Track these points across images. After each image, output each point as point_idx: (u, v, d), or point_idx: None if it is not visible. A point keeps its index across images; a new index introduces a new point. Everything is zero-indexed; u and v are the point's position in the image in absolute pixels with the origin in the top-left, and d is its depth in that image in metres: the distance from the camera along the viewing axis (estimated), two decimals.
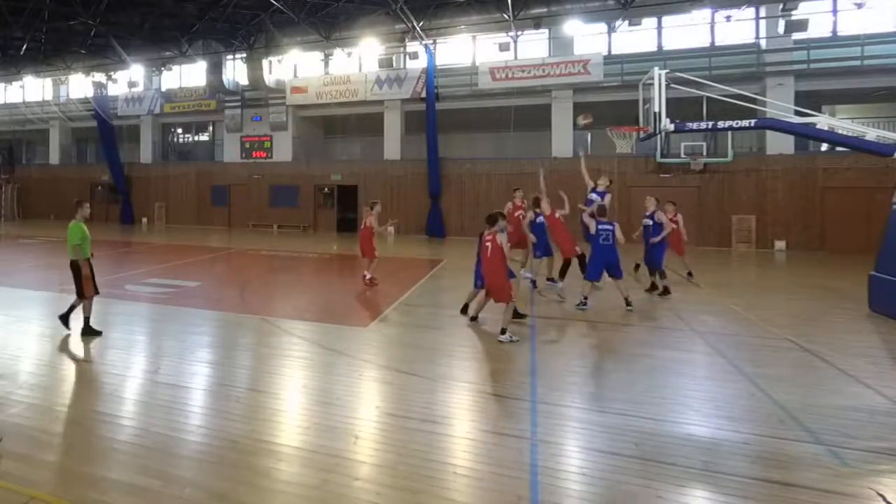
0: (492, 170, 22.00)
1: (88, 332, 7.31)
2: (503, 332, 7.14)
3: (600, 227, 8.98)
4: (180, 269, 13.59)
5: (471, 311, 8.21)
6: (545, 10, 19.82)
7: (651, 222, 10.41)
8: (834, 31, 18.41)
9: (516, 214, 10.92)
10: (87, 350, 7.01)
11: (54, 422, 4.69)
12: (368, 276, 11.25)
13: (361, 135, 26.11)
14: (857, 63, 17.49)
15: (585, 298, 9.08)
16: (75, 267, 7.39)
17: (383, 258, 14.56)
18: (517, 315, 7.81)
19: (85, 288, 7.30)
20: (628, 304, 8.91)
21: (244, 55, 24.55)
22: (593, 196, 10.67)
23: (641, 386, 5.63)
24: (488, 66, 21.66)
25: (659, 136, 11.93)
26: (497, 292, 7.43)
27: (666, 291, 10.16)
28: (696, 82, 11.41)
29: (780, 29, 18.21)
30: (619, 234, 8.95)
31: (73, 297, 7.54)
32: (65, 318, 7.46)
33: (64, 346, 7.12)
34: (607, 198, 10.56)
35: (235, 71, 25.36)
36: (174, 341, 7.32)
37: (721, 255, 17.41)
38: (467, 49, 22.53)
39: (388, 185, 23.48)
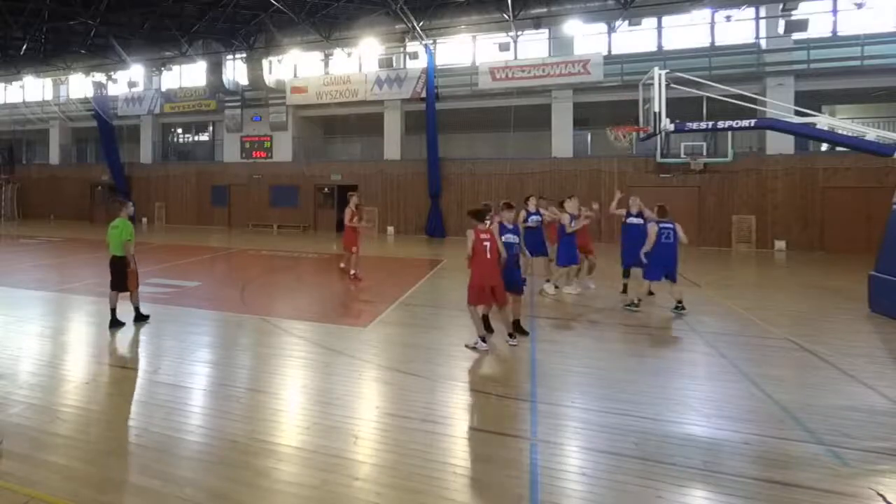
0: (492, 170, 22.00)
1: (141, 318, 7.91)
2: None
3: (661, 226, 8.73)
4: (180, 269, 13.59)
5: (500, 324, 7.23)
6: (545, 10, 19.82)
7: (641, 221, 10.18)
8: (834, 31, 18.41)
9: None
10: (86, 350, 7.02)
11: (54, 422, 4.69)
12: (346, 269, 11.85)
13: (361, 135, 26.12)
14: (857, 63, 17.49)
15: (639, 300, 8.99)
16: (121, 262, 7.72)
17: (384, 258, 14.57)
18: (520, 330, 7.37)
19: (131, 282, 7.78)
20: (681, 307, 8.66)
21: (244, 55, 24.55)
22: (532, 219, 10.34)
23: (641, 386, 5.63)
24: (488, 66, 21.66)
25: (659, 136, 11.92)
26: (501, 293, 6.93)
27: (625, 290, 10.19)
28: (696, 82, 11.40)
29: (780, 29, 18.22)
30: (681, 233, 8.75)
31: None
32: (115, 321, 7.75)
33: (64, 346, 7.14)
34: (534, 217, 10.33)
35: (235, 71, 25.35)
36: (174, 341, 7.31)
37: (721, 255, 17.41)
38: (467, 49, 22.53)
39: (388, 185, 23.49)
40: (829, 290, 11.15)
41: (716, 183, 19.04)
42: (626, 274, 10.31)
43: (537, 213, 10.49)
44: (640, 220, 10.09)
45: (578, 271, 10.63)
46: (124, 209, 7.95)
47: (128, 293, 7.85)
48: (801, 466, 4.01)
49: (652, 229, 8.82)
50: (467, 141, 24.48)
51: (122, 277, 7.73)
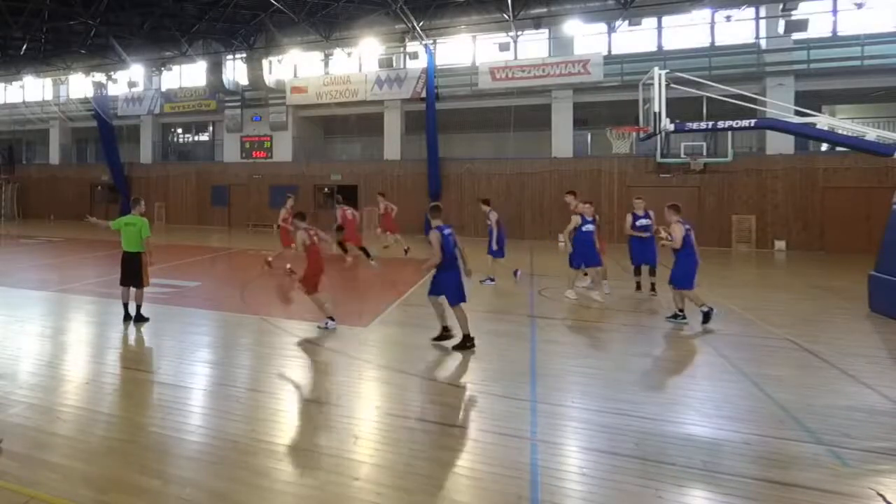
0: (492, 170, 21.99)
1: (141, 319, 7.85)
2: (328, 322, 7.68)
3: (687, 226, 8.09)
4: (180, 269, 13.59)
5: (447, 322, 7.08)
6: (545, 10, 19.82)
7: (650, 222, 10.23)
8: (834, 31, 18.40)
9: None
10: (86, 350, 7.01)
11: (54, 422, 4.69)
12: (270, 259, 13.08)
13: (361, 135, 26.10)
14: (857, 63, 17.47)
15: (709, 308, 7.95)
16: (137, 258, 7.81)
17: (384, 259, 14.57)
18: (446, 335, 6.99)
19: (146, 277, 7.88)
20: (683, 316, 8.12)
21: (244, 55, 24.54)
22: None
23: (641, 386, 5.63)
24: (488, 66, 21.64)
25: (659, 136, 11.91)
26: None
27: (639, 287, 10.33)
28: (696, 82, 11.39)
29: (780, 29, 18.21)
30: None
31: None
32: (128, 316, 7.89)
33: (64, 346, 7.13)
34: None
35: (235, 71, 25.34)
36: (174, 341, 7.32)
37: (721, 255, 17.38)
38: (467, 49, 22.51)
39: (388, 185, 23.42)
40: (829, 290, 11.15)
41: (716, 183, 19.02)
42: (637, 271, 10.45)
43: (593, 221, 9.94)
44: (649, 221, 10.17)
45: (585, 275, 10.57)
46: (137, 207, 8.12)
47: (134, 289, 7.91)
48: (801, 466, 4.01)
49: (679, 229, 8.09)
50: (467, 141, 24.45)
51: (134, 273, 7.80)
